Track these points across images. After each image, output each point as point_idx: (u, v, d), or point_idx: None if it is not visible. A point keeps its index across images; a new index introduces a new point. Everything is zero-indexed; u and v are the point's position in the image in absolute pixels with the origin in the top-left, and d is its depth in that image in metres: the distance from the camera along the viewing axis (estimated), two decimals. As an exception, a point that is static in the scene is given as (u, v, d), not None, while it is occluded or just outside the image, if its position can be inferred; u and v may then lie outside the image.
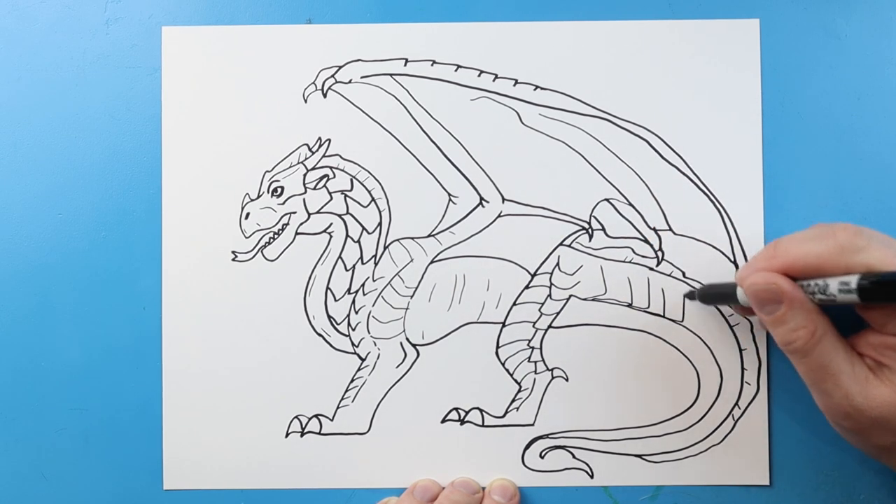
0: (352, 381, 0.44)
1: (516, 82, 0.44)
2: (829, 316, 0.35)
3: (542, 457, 0.43)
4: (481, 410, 0.43)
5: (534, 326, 0.43)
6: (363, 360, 0.44)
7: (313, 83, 0.44)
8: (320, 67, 0.44)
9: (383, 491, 0.43)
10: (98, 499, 0.44)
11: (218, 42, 0.44)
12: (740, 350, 0.43)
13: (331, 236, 0.44)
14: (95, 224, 0.44)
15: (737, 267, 0.43)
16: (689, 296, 0.43)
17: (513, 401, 0.43)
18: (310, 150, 0.44)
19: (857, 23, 0.44)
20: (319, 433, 0.43)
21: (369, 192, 0.44)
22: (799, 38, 0.44)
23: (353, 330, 0.44)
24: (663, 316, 0.43)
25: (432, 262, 0.44)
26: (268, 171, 0.44)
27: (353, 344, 0.44)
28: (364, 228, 0.44)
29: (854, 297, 0.33)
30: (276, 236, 0.44)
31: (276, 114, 0.44)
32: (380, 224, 0.44)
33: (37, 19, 0.45)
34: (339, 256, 0.44)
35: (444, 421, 0.43)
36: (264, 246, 0.44)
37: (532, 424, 0.43)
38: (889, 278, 0.32)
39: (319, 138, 0.44)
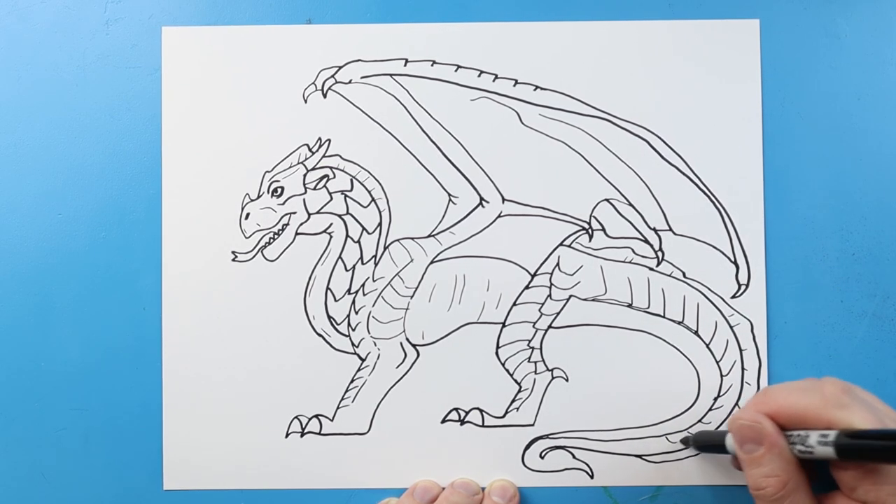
0: (352, 381, 0.44)
1: (516, 82, 0.44)
2: (805, 473, 0.35)
3: (542, 457, 0.43)
4: (481, 410, 0.43)
5: (534, 326, 0.43)
6: (363, 360, 0.44)
7: (313, 83, 0.44)
8: (320, 67, 0.44)
9: (383, 491, 0.43)
10: (98, 499, 0.44)
11: (218, 42, 0.44)
12: (740, 350, 0.43)
13: (331, 236, 0.44)
14: (95, 224, 0.44)
15: (737, 267, 0.43)
16: (685, 441, 0.43)
17: (513, 401, 0.43)
18: (310, 150, 0.44)
19: (857, 23, 0.44)
20: (319, 433, 0.43)
21: (369, 192, 0.44)
22: (799, 39, 0.44)
23: (353, 330, 0.44)
24: (663, 316, 0.43)
25: (432, 262, 0.44)
26: (268, 172, 0.44)
27: (353, 344, 0.44)
28: (364, 228, 0.44)
29: (831, 452, 0.33)
30: (276, 236, 0.44)
31: (276, 114, 0.44)
32: (380, 224, 0.44)
33: (37, 19, 0.45)
34: (339, 257, 0.44)
35: (444, 421, 0.43)
36: (264, 246, 0.44)
37: (532, 425, 0.43)
38: (866, 435, 0.32)
39: (319, 138, 0.44)
